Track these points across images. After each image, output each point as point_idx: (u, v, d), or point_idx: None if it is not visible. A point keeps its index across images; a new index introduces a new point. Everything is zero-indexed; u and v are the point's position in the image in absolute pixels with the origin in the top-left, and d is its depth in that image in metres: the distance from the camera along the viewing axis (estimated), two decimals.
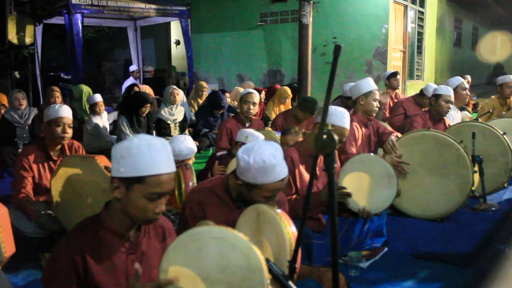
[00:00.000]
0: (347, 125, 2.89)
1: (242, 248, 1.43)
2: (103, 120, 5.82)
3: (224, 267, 1.44)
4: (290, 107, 7.43)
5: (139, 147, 1.46)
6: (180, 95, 6.37)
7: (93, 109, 5.71)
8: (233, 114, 5.25)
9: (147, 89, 7.57)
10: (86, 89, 6.79)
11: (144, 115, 5.42)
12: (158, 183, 1.48)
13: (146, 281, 1.63)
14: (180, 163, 3.20)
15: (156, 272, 1.62)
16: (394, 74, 6.74)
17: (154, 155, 1.47)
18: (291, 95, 7.17)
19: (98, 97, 5.75)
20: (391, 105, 6.27)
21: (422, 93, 5.54)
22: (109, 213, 1.58)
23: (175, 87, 6.38)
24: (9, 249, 2.08)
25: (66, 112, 3.18)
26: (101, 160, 2.77)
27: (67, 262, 1.49)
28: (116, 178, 1.50)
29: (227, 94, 7.01)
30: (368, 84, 3.80)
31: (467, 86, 5.12)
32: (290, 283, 1.47)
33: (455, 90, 4.88)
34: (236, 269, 1.43)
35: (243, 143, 3.50)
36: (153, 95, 7.67)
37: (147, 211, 1.51)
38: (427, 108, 4.60)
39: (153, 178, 1.46)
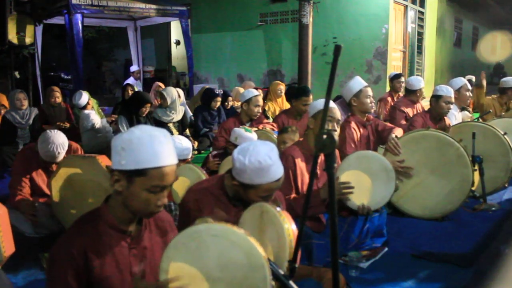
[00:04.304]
0: (333, 104, 2.98)
1: (242, 245, 1.41)
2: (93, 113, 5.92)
3: (224, 265, 1.42)
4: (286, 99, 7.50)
5: (140, 138, 1.42)
6: (172, 95, 6.36)
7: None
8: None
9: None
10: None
11: (144, 115, 5.43)
12: (160, 176, 1.44)
13: (151, 276, 1.62)
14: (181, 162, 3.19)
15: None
16: (398, 76, 6.60)
17: (156, 147, 1.43)
18: (284, 86, 7.22)
19: (84, 100, 5.98)
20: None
21: (408, 90, 5.57)
22: (109, 207, 1.55)
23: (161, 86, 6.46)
24: (9, 249, 2.08)
25: (59, 154, 3.05)
26: (102, 160, 2.77)
27: (67, 257, 1.46)
28: (116, 171, 1.46)
29: (230, 98, 7.01)
30: (357, 83, 3.75)
31: (470, 87, 5.09)
32: (291, 283, 1.47)
33: (458, 90, 4.87)
34: (237, 266, 1.41)
35: (234, 144, 3.52)
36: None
37: (149, 204, 1.48)
38: (422, 106, 4.59)
39: (156, 171, 1.43)
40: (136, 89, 7.22)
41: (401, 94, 6.69)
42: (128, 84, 7.58)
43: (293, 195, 2.78)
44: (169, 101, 5.92)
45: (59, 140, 3.01)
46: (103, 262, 1.52)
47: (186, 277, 1.44)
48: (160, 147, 1.44)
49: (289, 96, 7.89)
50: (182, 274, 1.44)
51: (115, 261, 1.54)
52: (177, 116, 6.08)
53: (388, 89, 7.64)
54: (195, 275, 1.44)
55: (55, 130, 3.09)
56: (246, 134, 3.57)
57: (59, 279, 1.48)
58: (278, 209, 1.74)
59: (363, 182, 2.85)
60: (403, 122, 5.26)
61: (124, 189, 1.47)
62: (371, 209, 2.85)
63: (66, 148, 3.07)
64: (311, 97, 4.74)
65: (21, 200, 3.07)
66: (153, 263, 1.63)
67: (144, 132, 1.45)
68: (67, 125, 6.04)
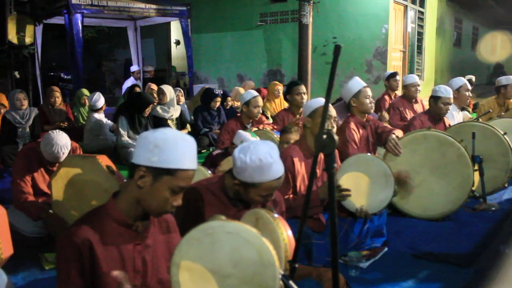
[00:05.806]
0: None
1: (255, 243, 1.44)
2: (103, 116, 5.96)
3: (236, 261, 1.45)
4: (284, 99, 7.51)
5: (174, 140, 1.50)
6: (171, 92, 6.43)
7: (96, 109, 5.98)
8: (238, 114, 5.26)
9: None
10: (86, 92, 6.88)
11: (146, 115, 5.49)
12: (185, 177, 1.52)
13: (153, 273, 1.64)
14: None
15: (162, 265, 1.63)
16: (393, 74, 6.57)
17: (188, 150, 1.52)
18: (281, 86, 7.25)
19: (101, 103, 6.02)
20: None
21: (403, 88, 5.61)
22: (117, 203, 1.58)
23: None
24: (7, 250, 2.08)
25: (63, 155, 3.07)
26: (103, 160, 2.77)
27: (71, 249, 1.48)
28: (144, 167, 1.50)
29: (229, 98, 7.01)
30: (356, 84, 3.73)
31: (469, 87, 5.09)
32: (291, 282, 1.47)
33: (457, 90, 4.87)
34: (249, 263, 1.44)
35: None
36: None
37: (167, 204, 1.53)
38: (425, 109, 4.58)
39: (184, 172, 1.50)
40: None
41: (398, 93, 6.70)
42: (136, 85, 7.63)
43: (291, 196, 2.78)
44: (168, 97, 6.22)
45: (62, 141, 3.04)
46: (108, 256, 1.53)
47: (197, 272, 1.47)
48: (191, 152, 1.53)
49: (285, 94, 7.94)
50: (193, 269, 1.47)
51: (120, 256, 1.56)
52: (176, 113, 6.34)
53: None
54: (207, 271, 1.47)
55: (58, 131, 3.10)
56: (252, 139, 3.51)
57: (63, 271, 1.49)
58: (275, 215, 1.75)
59: (362, 185, 2.84)
60: (399, 122, 5.27)
61: (148, 185, 1.51)
62: (369, 212, 2.84)
63: (69, 148, 3.11)
64: (303, 86, 4.81)
65: (27, 201, 3.08)
66: (155, 261, 1.64)
67: (176, 134, 1.53)
68: (67, 125, 6.06)
